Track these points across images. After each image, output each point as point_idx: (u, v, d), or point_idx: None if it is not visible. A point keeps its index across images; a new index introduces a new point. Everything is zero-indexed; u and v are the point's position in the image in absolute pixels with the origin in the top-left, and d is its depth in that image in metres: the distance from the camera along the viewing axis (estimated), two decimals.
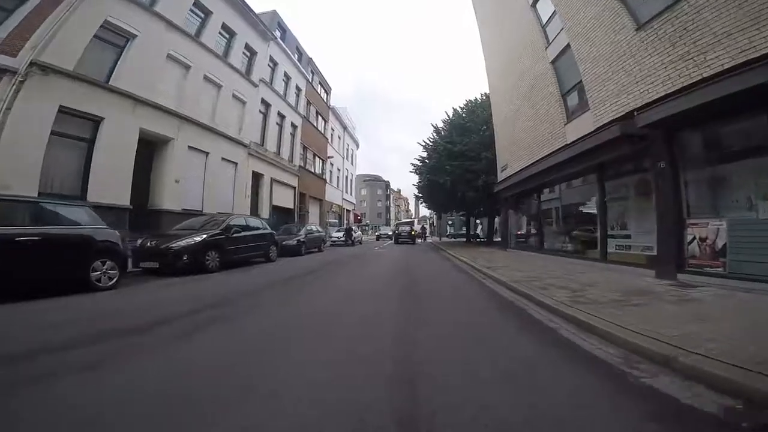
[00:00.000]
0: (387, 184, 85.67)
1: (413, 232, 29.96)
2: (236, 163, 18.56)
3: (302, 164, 27.42)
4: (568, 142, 10.72)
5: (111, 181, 11.93)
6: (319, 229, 18.17)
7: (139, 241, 8.80)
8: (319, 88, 34.00)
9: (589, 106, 9.73)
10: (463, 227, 63.87)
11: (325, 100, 35.59)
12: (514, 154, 15.20)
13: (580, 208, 11.59)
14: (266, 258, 11.65)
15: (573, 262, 10.35)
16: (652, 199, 8.52)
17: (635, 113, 7.57)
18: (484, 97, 23.32)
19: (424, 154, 24.14)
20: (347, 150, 43.48)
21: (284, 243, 14.04)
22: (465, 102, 23.78)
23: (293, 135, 26.28)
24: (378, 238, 40.55)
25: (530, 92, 13.66)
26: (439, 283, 7.47)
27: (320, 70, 34.57)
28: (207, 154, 16.55)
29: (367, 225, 62.19)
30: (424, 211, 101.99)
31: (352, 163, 46.31)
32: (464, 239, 45.04)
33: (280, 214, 23.10)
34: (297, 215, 24.98)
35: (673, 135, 7.17)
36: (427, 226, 52.75)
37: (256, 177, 20.61)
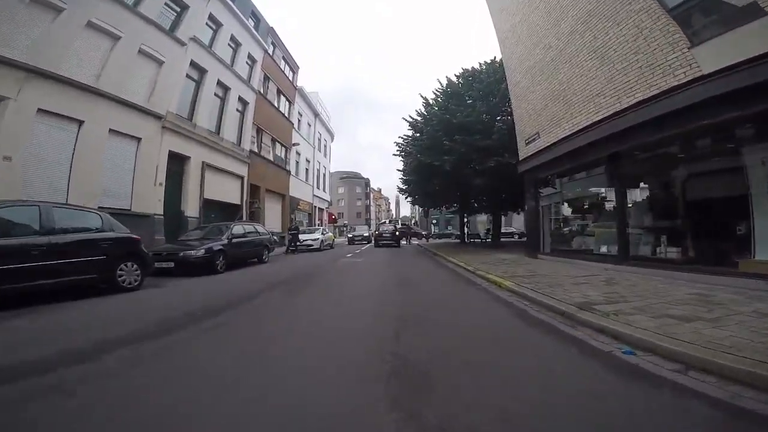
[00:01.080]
0: (366, 182, 79.93)
1: (396, 233, 24.50)
2: (139, 139, 12.71)
3: (256, 150, 21.62)
4: (707, 73, 5.66)
5: None
6: (260, 231, 12.44)
7: None
8: (282, 64, 28.20)
9: None
10: (448, 226, 59.07)
11: (291, 79, 29.86)
12: (554, 117, 10.05)
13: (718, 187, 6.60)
14: (112, 284, 5.96)
15: (745, 286, 5.17)
16: None
17: None
18: (483, 66, 18.01)
19: (411, 133, 18.67)
20: (319, 140, 37.72)
21: (183, 255, 8.35)
22: (461, 70, 18.44)
23: (242, 113, 20.49)
24: (350, 241, 28.82)
25: (586, 23, 8.61)
26: None
27: (285, 44, 28.80)
28: (80, 123, 10.76)
29: (345, 226, 56.40)
30: (405, 212, 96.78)
31: (325, 156, 40.55)
32: (451, 239, 39.60)
33: (221, 211, 17.28)
34: (246, 213, 19.17)
35: None
36: (413, 226, 46.87)
37: (179, 160, 14.76)
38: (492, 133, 14.30)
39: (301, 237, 18.77)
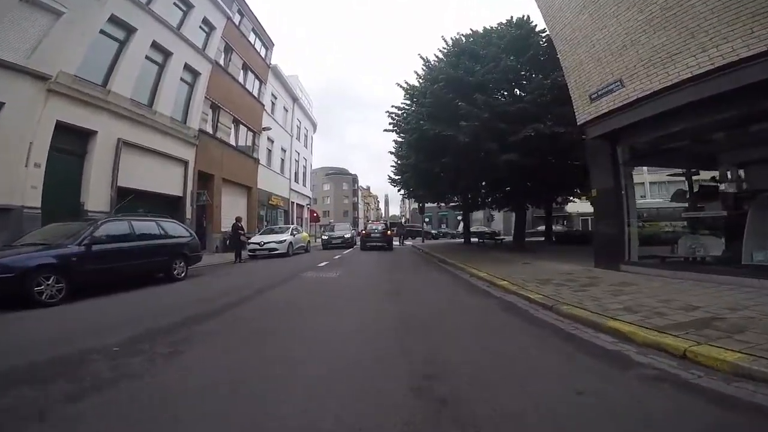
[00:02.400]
0: (354, 179, 75.49)
1: (389, 232, 19.83)
2: (2, 104, 8.45)
3: (210, 131, 17.32)
4: None
5: None
6: (172, 231, 7.85)
7: None
8: (252, 37, 23.97)
9: None
10: (442, 225, 54.57)
11: (263, 56, 25.67)
12: (653, 54, 6.24)
13: None
14: None
15: None
16: None
17: None
18: (499, 27, 13.56)
19: (408, 104, 14.28)
20: (299, 128, 33.40)
21: None
22: (470, 31, 14.02)
23: (191, 84, 16.23)
24: (326, 245, 20.97)
25: None
26: None
27: (257, 16, 24.63)
28: None
29: (328, 225, 51.96)
30: (395, 210, 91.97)
31: (306, 147, 36.20)
32: (446, 240, 34.95)
33: (154, 204, 12.99)
34: (192, 206, 14.79)
35: None
36: (413, 224, 41.87)
37: (78, 135, 10.57)
38: (524, 94, 10.31)
39: (263, 239, 14.40)
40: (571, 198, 21.47)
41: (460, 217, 50.53)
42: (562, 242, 17.98)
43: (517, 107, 9.89)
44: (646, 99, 6.25)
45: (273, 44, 27.42)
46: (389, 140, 16.11)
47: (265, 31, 26.02)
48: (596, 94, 7.34)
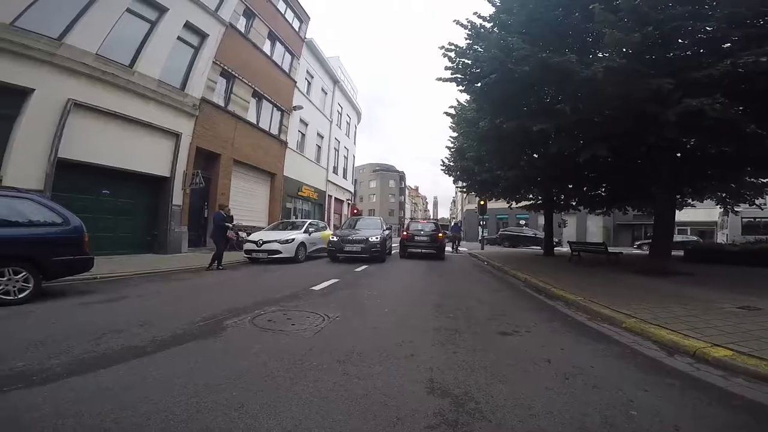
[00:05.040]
0: (401, 176, 71.33)
1: (440, 235, 13.85)
2: None
3: (219, 103, 14.21)
4: None
5: None
6: None
7: None
8: (282, 6, 20.90)
9: None
10: (501, 229, 46.10)
11: (296, 28, 22.60)
12: None
13: None
14: None
15: None
16: None
17: None
18: None
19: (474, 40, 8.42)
20: (340, 115, 30.08)
21: None
22: None
23: (195, 48, 13.22)
24: (334, 254, 11.37)
25: None
26: None
27: None
28: None
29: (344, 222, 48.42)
30: (444, 213, 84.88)
31: (348, 136, 32.83)
32: (503, 247, 27.71)
33: (126, 186, 10.01)
34: (183, 190, 11.58)
35: None
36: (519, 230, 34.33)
37: (9, 94, 7.64)
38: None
39: (262, 237, 10.44)
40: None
41: (523, 222, 43.39)
42: (699, 260, 12.14)
43: (703, 28, 4.99)
44: None
45: (308, 18, 24.19)
46: (439, 145, 11.16)
47: (299, 1, 22.90)
48: None
